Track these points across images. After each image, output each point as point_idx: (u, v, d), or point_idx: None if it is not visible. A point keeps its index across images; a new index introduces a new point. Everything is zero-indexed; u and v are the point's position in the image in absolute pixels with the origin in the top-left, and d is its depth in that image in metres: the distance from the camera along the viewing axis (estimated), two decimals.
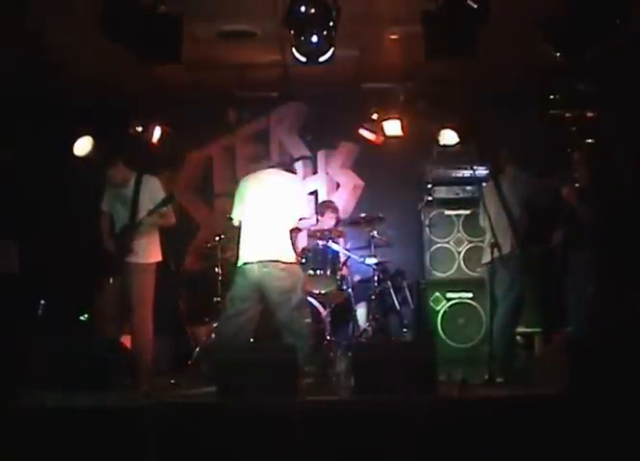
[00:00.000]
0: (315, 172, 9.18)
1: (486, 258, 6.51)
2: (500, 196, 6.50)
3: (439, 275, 8.05)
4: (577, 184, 6.59)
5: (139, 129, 7.90)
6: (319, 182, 9.15)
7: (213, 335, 7.25)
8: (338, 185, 9.18)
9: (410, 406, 4.95)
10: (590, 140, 7.78)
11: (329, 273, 7.63)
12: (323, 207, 8.44)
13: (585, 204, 6.50)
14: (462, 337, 7.76)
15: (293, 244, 6.49)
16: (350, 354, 6.05)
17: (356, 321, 7.85)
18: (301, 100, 8.99)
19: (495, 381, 5.99)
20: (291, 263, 6.23)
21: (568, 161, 6.80)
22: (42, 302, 7.53)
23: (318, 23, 5.62)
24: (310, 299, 7.48)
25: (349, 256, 8.05)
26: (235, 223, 6.42)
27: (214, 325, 7.70)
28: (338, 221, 8.38)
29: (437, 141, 8.03)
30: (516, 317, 6.47)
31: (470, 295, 7.81)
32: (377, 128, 8.30)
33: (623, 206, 6.80)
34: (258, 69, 7.87)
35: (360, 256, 8.03)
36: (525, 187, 6.53)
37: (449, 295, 7.90)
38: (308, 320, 6.34)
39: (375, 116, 8.26)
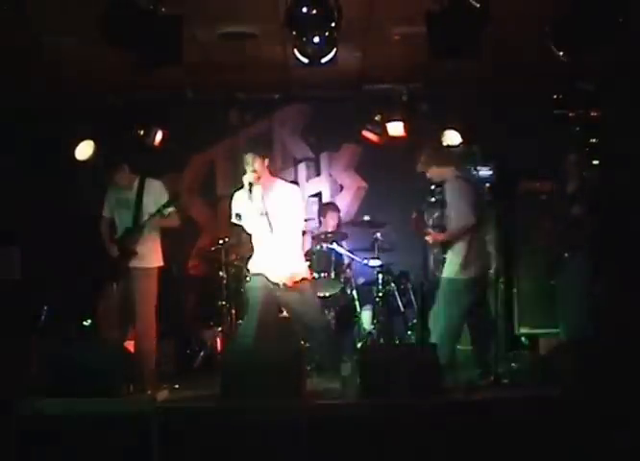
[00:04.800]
0: (318, 174, 9.15)
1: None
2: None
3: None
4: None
5: (141, 132, 7.89)
6: (322, 185, 9.12)
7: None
8: (342, 187, 9.15)
9: (416, 409, 4.93)
10: (594, 140, 7.75)
11: (332, 275, 7.62)
12: (325, 209, 8.42)
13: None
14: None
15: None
16: (355, 357, 6.02)
17: (360, 323, 7.83)
18: (303, 101, 8.97)
19: (500, 383, 5.96)
20: None
21: (565, 163, 6.75)
22: (45, 307, 7.50)
23: (320, 24, 5.59)
24: None
25: (352, 259, 8.02)
26: None
27: (219, 329, 7.69)
28: (340, 222, 8.35)
29: (440, 142, 8.03)
30: None
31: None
32: (380, 129, 8.28)
33: (625, 207, 6.78)
34: (260, 71, 7.84)
35: (364, 259, 7.99)
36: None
37: None
38: None
39: (378, 117, 8.23)
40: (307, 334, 6.36)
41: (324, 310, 7.01)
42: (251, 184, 5.97)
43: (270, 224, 5.96)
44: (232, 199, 6.20)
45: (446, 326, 6.21)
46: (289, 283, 6.03)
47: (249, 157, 6.02)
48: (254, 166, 5.99)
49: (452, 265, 6.26)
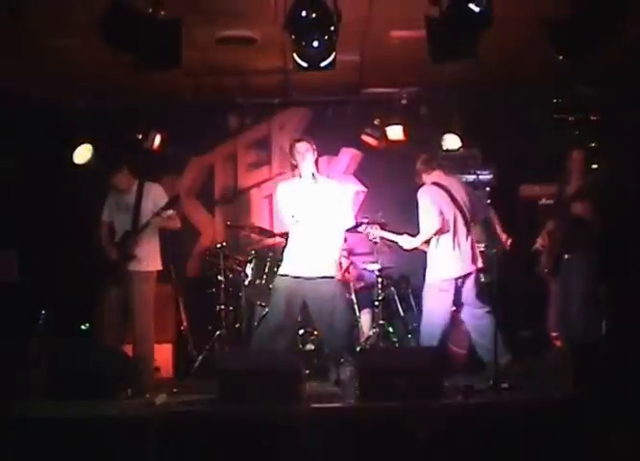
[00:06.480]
0: None
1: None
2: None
3: None
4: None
5: (139, 136, 7.88)
6: None
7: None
8: None
9: (415, 412, 4.92)
10: (593, 144, 7.75)
11: None
12: None
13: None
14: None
15: None
16: (354, 361, 6.00)
17: (359, 327, 7.81)
18: (302, 106, 8.96)
19: (500, 387, 5.95)
20: None
21: (567, 162, 6.75)
22: (43, 311, 7.48)
23: (319, 28, 5.58)
24: None
25: (352, 263, 8.00)
26: None
27: (217, 333, 7.67)
28: None
29: (440, 146, 8.02)
30: None
31: None
32: (379, 133, 8.27)
33: (627, 208, 6.78)
34: (259, 75, 7.84)
35: (363, 262, 7.98)
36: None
37: None
38: None
39: (377, 121, 8.23)
40: (328, 335, 6.25)
41: (353, 314, 6.85)
42: (313, 174, 5.84)
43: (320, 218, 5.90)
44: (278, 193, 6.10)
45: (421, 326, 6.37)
46: (338, 276, 5.98)
47: (302, 146, 5.91)
48: (306, 155, 5.89)
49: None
